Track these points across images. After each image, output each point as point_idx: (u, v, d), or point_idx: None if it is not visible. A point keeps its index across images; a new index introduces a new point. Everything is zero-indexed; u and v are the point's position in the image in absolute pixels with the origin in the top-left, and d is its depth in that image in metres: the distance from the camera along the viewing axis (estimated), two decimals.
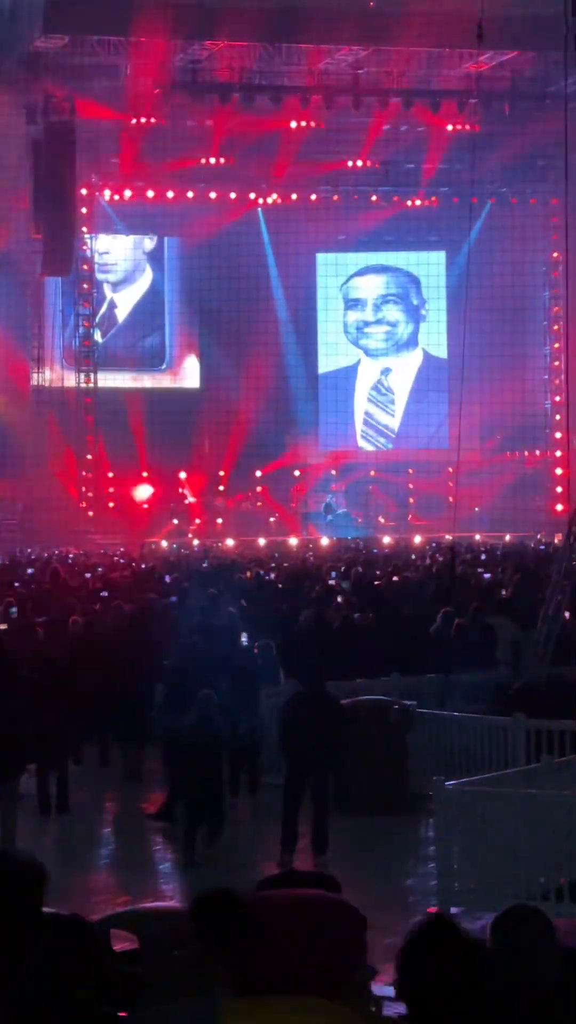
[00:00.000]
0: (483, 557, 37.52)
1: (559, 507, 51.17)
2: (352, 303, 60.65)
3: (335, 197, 57.71)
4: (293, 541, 49.88)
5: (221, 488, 57.71)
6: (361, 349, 60.94)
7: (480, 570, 32.34)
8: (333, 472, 58.59)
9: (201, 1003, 3.96)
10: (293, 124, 51.76)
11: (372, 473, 58.74)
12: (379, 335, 60.87)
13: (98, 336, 57.17)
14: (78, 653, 20.38)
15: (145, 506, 55.96)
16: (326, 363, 60.09)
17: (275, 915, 4.28)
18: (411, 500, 58.22)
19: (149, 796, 19.40)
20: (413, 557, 38.41)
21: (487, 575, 31.10)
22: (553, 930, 5.57)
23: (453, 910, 13.77)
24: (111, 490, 56.25)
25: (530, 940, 5.42)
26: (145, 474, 56.70)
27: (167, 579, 31.40)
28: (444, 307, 59.59)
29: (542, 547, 41.28)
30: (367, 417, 60.80)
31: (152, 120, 51.23)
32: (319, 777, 16.44)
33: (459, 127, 51.68)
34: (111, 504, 55.92)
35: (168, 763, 18.60)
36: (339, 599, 26.81)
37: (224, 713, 16.78)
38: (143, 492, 56.28)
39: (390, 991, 5.21)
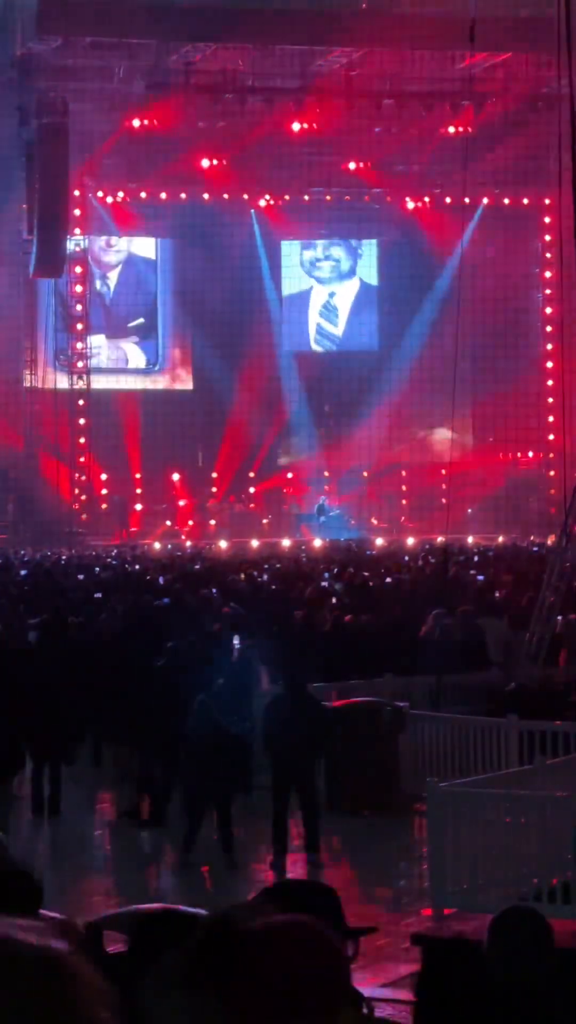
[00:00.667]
0: (476, 559, 37.53)
1: (552, 510, 51.19)
2: (307, 244, 61.17)
3: (328, 198, 57.73)
4: (286, 543, 49.89)
5: (214, 490, 57.73)
6: (313, 279, 61.41)
7: (473, 572, 32.35)
8: (326, 474, 58.58)
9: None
10: (286, 126, 51.76)
11: (365, 474, 58.75)
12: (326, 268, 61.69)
13: (91, 338, 57.10)
14: (72, 654, 20.37)
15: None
16: (288, 287, 61.17)
17: (252, 950, 4.29)
18: (403, 502, 58.25)
19: (141, 797, 19.41)
20: (407, 559, 38.42)
21: (480, 576, 31.13)
22: (550, 931, 5.59)
23: (446, 911, 13.78)
24: (104, 492, 56.25)
25: (528, 941, 5.43)
26: (138, 475, 56.72)
27: (160, 580, 31.40)
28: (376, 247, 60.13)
29: (535, 549, 41.29)
30: (318, 328, 61.49)
31: (145, 122, 51.22)
32: (304, 778, 16.46)
33: (452, 129, 51.69)
34: (104, 506, 55.92)
35: (160, 765, 18.67)
36: (332, 600, 26.82)
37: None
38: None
39: (385, 992, 5.21)
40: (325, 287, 61.41)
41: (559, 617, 22.93)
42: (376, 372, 59.38)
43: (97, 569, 36.50)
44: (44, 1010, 1.97)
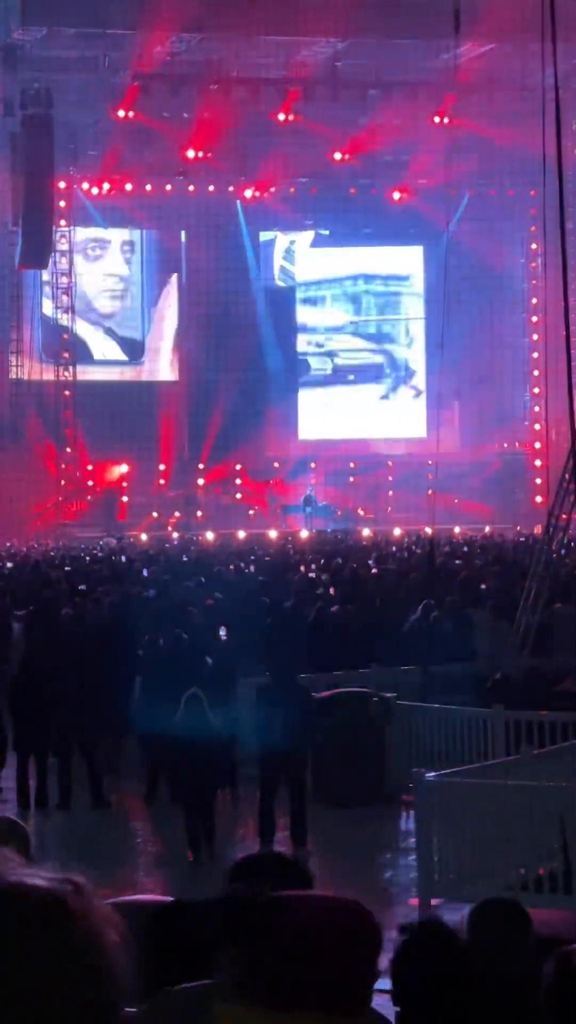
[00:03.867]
0: (464, 549, 37.54)
1: (538, 499, 51.21)
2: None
3: (313, 190, 57.67)
4: (273, 534, 49.88)
5: (201, 482, 57.72)
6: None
7: (459, 562, 32.35)
8: (312, 465, 58.60)
9: (197, 1004, 3.90)
10: (271, 117, 51.69)
11: (352, 464, 58.78)
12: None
13: (77, 329, 57.06)
14: (59, 645, 20.35)
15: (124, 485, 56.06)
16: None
17: (294, 917, 4.24)
18: (389, 493, 58.27)
19: (127, 788, 19.43)
20: (394, 549, 38.42)
21: (466, 568, 31.11)
22: (529, 920, 5.59)
23: (434, 901, 13.79)
24: (90, 483, 56.23)
25: (506, 931, 5.44)
26: (125, 467, 56.68)
27: (145, 572, 31.37)
28: (423, 302, 59.69)
29: (521, 539, 41.32)
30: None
31: (130, 113, 51.12)
32: (292, 769, 16.48)
33: (437, 119, 51.64)
34: (89, 498, 55.91)
35: (146, 755, 18.75)
36: (319, 591, 26.82)
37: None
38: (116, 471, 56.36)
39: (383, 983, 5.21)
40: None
41: (545, 607, 22.94)
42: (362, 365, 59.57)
43: (88, 558, 36.52)
44: (51, 947, 2.12)
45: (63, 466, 54.91)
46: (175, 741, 16.51)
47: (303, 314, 61.61)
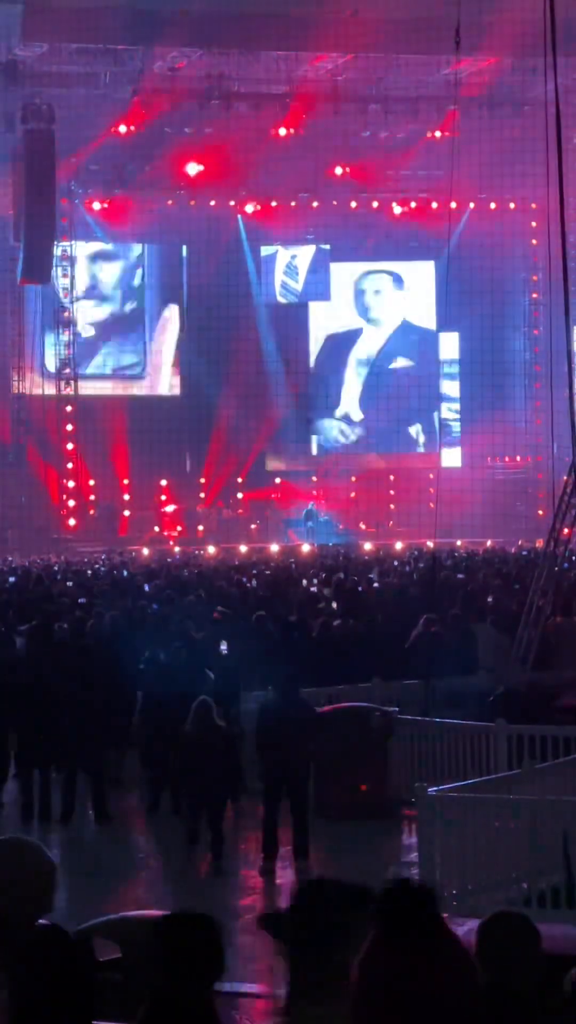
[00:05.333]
0: (465, 564, 37.51)
1: (540, 512, 51.21)
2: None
3: (314, 204, 57.73)
4: (274, 548, 49.88)
5: (202, 496, 57.74)
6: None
7: (461, 576, 32.33)
8: (313, 479, 58.64)
9: None
10: (272, 131, 51.77)
11: (353, 479, 58.82)
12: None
13: (78, 344, 57.05)
14: (61, 659, 20.34)
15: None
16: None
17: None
18: (391, 507, 58.28)
19: (128, 800, 19.42)
20: (396, 563, 38.40)
21: (468, 582, 31.08)
22: (538, 936, 5.58)
23: None
24: (92, 498, 56.25)
25: (515, 945, 5.43)
26: (126, 481, 56.73)
27: (146, 587, 31.34)
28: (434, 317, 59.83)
29: (524, 552, 41.30)
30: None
31: (131, 128, 51.21)
32: (296, 783, 16.48)
33: (438, 133, 51.72)
34: (91, 512, 55.93)
35: (149, 769, 18.75)
36: (321, 605, 26.80)
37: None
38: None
39: None
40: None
41: (548, 621, 22.91)
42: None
43: (89, 573, 36.49)
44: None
45: (65, 481, 54.91)
46: (183, 749, 16.54)
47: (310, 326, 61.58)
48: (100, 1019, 6.07)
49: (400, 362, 60.73)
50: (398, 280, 60.48)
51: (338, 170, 55.32)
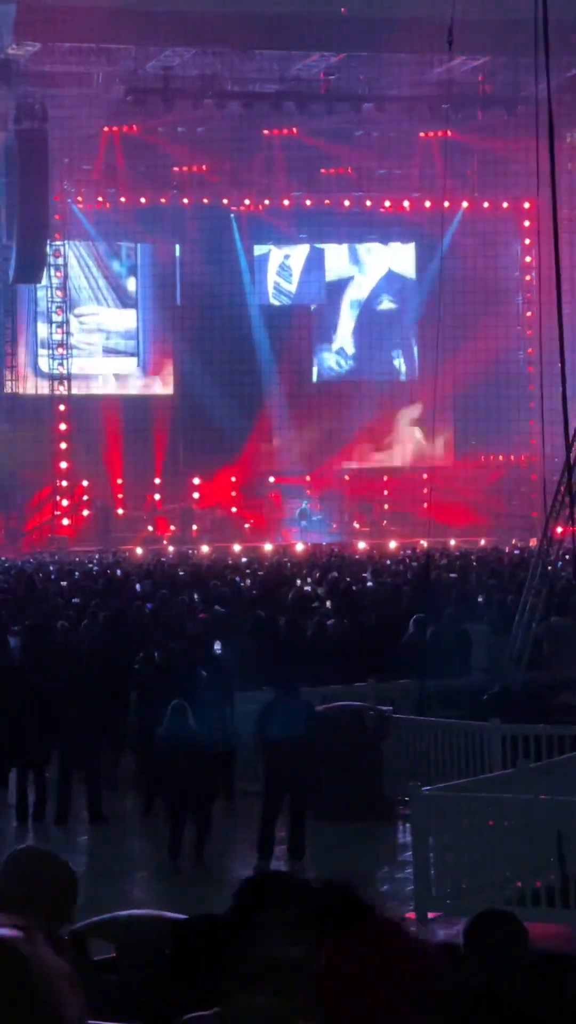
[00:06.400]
0: (458, 562, 37.52)
1: (534, 512, 51.17)
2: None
3: (308, 202, 57.73)
4: (268, 547, 49.84)
5: (196, 496, 57.69)
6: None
7: (455, 575, 32.33)
8: (307, 478, 58.61)
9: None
10: (265, 130, 51.78)
11: (346, 478, 58.81)
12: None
13: (71, 343, 57.00)
14: (55, 660, 20.34)
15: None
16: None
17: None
18: (385, 506, 58.28)
19: (124, 802, 19.40)
20: (389, 563, 38.39)
21: (462, 581, 31.10)
22: (525, 934, 5.58)
23: (430, 915, 13.78)
24: (85, 498, 56.20)
25: (502, 944, 5.43)
26: (119, 481, 56.70)
27: (138, 587, 31.31)
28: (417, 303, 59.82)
29: (517, 551, 41.30)
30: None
31: (124, 127, 51.20)
32: (297, 784, 16.45)
33: (431, 132, 51.76)
34: (85, 512, 55.88)
35: (143, 769, 18.71)
36: (315, 604, 26.80)
37: (199, 719, 16.78)
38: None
39: None
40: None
41: (541, 620, 22.92)
42: (357, 379, 59.75)
43: (78, 574, 36.41)
44: (6, 991, 2.14)
45: (58, 481, 54.85)
46: (163, 751, 16.53)
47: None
48: (95, 1020, 6.06)
49: (385, 304, 61.51)
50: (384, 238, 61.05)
51: (331, 168, 55.29)
